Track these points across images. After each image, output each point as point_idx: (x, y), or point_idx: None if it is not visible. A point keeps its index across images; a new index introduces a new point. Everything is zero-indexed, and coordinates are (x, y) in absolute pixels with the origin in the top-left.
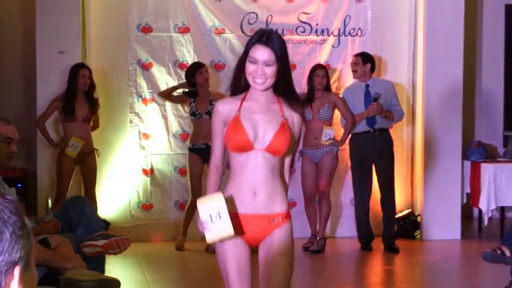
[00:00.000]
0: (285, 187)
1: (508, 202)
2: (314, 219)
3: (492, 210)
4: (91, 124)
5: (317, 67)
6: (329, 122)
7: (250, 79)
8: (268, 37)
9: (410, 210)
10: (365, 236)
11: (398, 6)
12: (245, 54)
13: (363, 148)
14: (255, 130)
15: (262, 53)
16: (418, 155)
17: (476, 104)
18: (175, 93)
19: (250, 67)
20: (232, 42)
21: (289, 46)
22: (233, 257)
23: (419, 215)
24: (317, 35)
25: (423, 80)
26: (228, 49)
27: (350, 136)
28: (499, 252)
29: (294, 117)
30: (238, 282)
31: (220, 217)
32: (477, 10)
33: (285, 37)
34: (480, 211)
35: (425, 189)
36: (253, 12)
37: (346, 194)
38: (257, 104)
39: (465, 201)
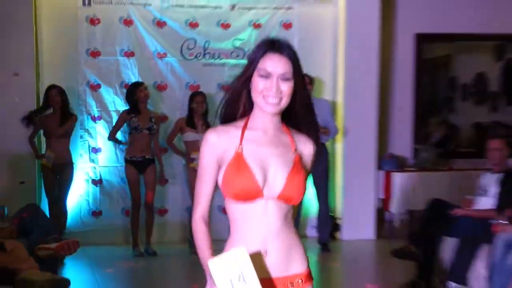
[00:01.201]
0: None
1: (416, 207)
2: None
3: (401, 214)
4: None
5: None
6: None
7: (259, 99)
8: (281, 44)
9: (332, 213)
10: None
11: (322, 33)
12: (250, 68)
13: None
14: (264, 171)
15: (277, 64)
16: (339, 166)
17: (389, 120)
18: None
19: (260, 83)
20: (173, 65)
21: (225, 69)
22: None
23: (340, 218)
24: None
25: (343, 99)
26: (169, 71)
27: None
28: (407, 250)
29: (306, 149)
30: None
31: (244, 281)
32: (391, 37)
33: (221, 61)
34: (391, 214)
35: (345, 195)
36: (192, 38)
37: None
38: (264, 134)
39: (379, 206)
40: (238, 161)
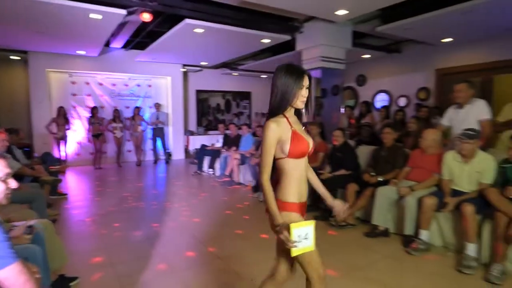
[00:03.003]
0: None
1: (197, 146)
2: (139, 154)
3: (194, 149)
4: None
5: (136, 108)
6: (140, 124)
7: (299, 101)
8: (307, 71)
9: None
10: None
11: (163, 88)
12: (296, 84)
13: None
14: (306, 139)
15: (308, 81)
16: (171, 133)
17: (187, 119)
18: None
19: (304, 92)
20: (107, 100)
21: (126, 101)
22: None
23: (171, 153)
24: (135, 97)
25: (172, 112)
26: (106, 102)
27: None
28: (199, 170)
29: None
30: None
31: (307, 238)
32: (187, 91)
33: (125, 98)
34: (190, 150)
35: (174, 144)
36: (113, 90)
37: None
38: (294, 120)
39: (185, 147)
40: (298, 135)
